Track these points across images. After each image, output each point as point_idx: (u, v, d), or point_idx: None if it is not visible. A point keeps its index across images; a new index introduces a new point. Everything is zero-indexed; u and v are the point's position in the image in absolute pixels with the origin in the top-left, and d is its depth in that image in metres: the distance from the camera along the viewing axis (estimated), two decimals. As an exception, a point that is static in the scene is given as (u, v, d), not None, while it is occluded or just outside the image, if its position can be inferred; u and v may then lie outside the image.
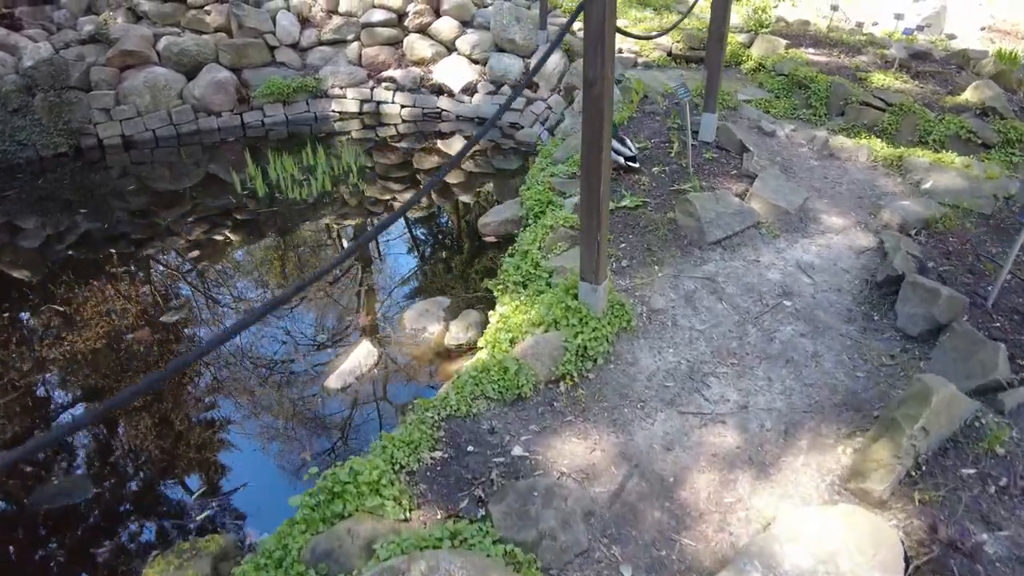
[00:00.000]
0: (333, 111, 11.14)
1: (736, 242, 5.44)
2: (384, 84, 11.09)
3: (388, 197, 9.25)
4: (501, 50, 10.99)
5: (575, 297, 4.50)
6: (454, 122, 11.21)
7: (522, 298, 5.03)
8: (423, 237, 8.23)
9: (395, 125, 11.20)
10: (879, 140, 7.81)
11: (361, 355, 5.25)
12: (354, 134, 10.94)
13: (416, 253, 7.69)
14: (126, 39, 10.20)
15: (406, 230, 8.20)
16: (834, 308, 4.82)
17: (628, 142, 6.63)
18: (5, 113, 9.40)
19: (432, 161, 10.39)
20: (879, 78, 9.09)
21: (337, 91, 11.05)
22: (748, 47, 10.76)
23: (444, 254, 7.49)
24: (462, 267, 6.94)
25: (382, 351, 5.42)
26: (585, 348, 4.30)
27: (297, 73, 10.98)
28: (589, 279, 4.34)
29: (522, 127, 10.56)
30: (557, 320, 4.43)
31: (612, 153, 6.95)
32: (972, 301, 4.48)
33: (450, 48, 11.32)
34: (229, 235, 7.62)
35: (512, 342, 4.60)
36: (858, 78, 9.27)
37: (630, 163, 6.48)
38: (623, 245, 5.38)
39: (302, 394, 5.08)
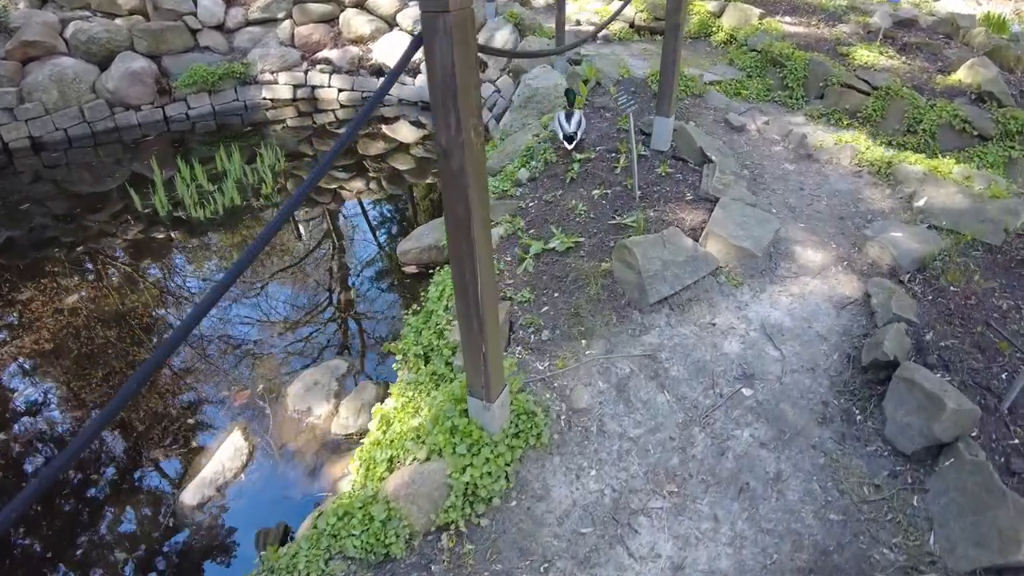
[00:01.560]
0: (264, 98, 9.67)
1: (687, 298, 4.16)
2: (319, 67, 9.58)
3: (334, 186, 8.02)
4: (447, 25, 9.42)
5: (465, 413, 3.26)
6: (397, 106, 9.78)
7: (414, 391, 3.80)
8: (327, 268, 6.42)
9: (333, 111, 9.75)
10: (863, 135, 6.45)
11: (227, 455, 4.05)
12: (289, 122, 9.52)
13: (317, 292, 5.97)
14: (28, 27, 8.67)
15: (306, 257, 6.60)
16: (806, 400, 3.58)
17: (573, 119, 5.57)
18: None
19: (378, 147, 9.09)
20: (863, 54, 7.63)
21: (268, 76, 9.54)
22: (718, 16, 9.22)
23: (351, 292, 5.97)
24: (371, 311, 5.66)
25: (255, 445, 4.21)
26: (475, 487, 3.09)
27: (223, 58, 9.46)
28: (478, 395, 3.10)
29: (470, 113, 9.11)
30: (440, 448, 3.20)
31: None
32: (982, 400, 3.26)
33: (391, 23, 9.78)
34: (101, 275, 6.25)
35: (391, 463, 3.39)
36: (839, 53, 7.81)
37: (566, 142, 5.54)
38: (545, 308, 4.10)
39: (148, 516, 3.90)
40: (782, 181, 5.56)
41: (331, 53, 9.62)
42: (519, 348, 3.86)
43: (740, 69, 8.00)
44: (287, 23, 9.81)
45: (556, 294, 4.18)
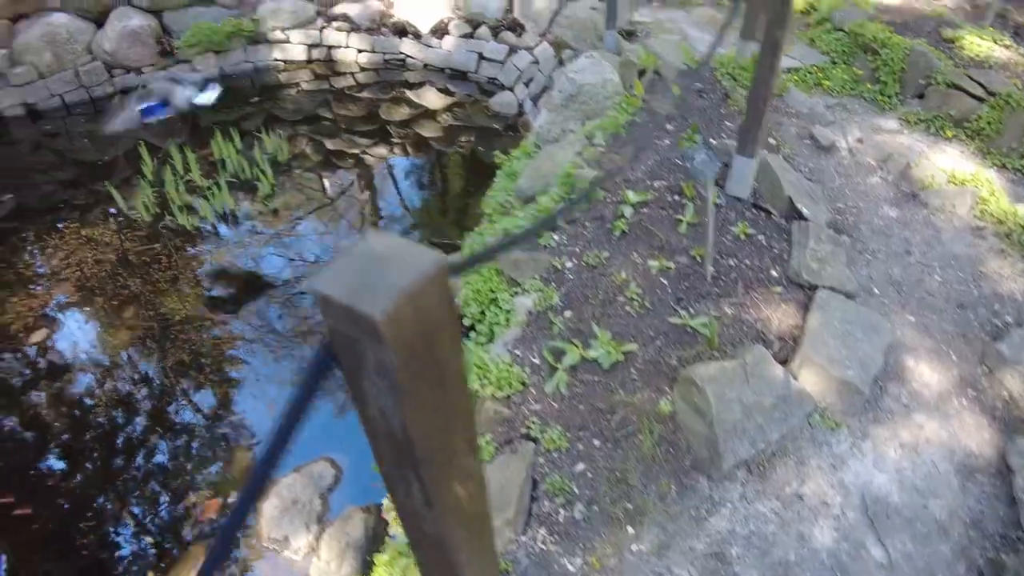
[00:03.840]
0: (276, 59, 8.18)
1: (770, 453, 2.95)
2: (336, 24, 8.02)
3: (356, 151, 6.91)
4: (480, -22, 7.74)
5: None
6: (422, 71, 8.24)
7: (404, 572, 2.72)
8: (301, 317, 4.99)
9: (352, 74, 8.27)
10: (974, 158, 4.91)
11: (179, 614, 3.08)
12: (304, 85, 8.10)
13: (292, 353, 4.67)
14: (14, -21, 7.21)
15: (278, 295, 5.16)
16: (931, 652, 2.44)
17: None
18: None
19: (403, 113, 7.74)
20: (973, 43, 5.89)
21: (279, 35, 8.02)
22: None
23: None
24: None
25: (217, 595, 3.22)
26: None
27: (230, 13, 7.91)
28: None
29: (501, 86, 7.59)
30: None
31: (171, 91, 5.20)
32: None
33: (418, -26, 8.08)
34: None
35: None
36: (944, 39, 6.06)
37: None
38: (580, 466, 2.93)
39: None
40: (883, 238, 4.16)
41: (350, 8, 8.02)
42: (542, 531, 2.73)
43: (823, 53, 6.32)
44: (302, -29, 8.17)
45: (597, 442, 2.99)
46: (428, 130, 7.46)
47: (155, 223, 5.68)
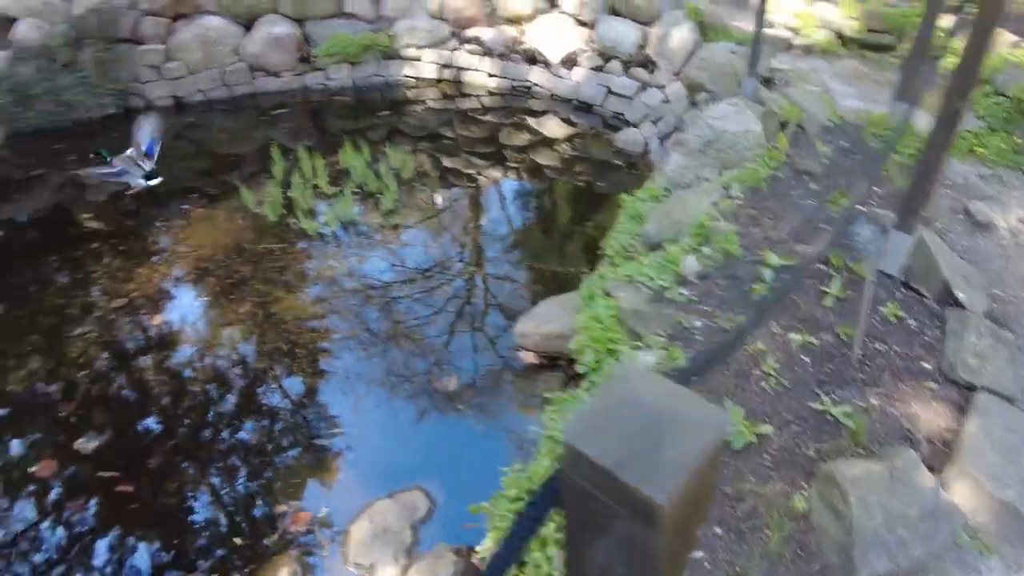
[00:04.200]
0: (407, 76, 8.38)
1: (908, 570, 2.62)
2: (468, 46, 8.14)
3: (472, 171, 7.00)
4: (616, 12, 7.67)
5: None
6: (548, 100, 8.23)
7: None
8: (422, 335, 4.91)
9: (478, 96, 8.35)
10: None
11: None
12: (430, 103, 8.25)
13: (407, 382, 4.50)
14: (179, -16, 7.74)
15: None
16: None
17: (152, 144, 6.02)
18: (53, 69, 7.32)
19: (522, 139, 7.74)
20: None
21: (412, 52, 8.22)
22: (953, 35, 6.85)
23: (447, 383, 4.48)
24: (467, 418, 4.27)
25: (301, 618, 3.18)
26: None
27: (368, 27, 8.19)
28: None
29: (627, 122, 7.43)
30: None
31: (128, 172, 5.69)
32: None
33: (552, 3, 8.06)
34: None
35: None
36: None
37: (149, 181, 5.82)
38: (697, 554, 2.70)
39: None
40: (1048, 333, 3.71)
41: (483, 32, 8.12)
42: (655, 620, 2.51)
43: (978, 117, 5.83)
44: (440, -8, 8.36)
45: (719, 529, 2.75)
46: (545, 158, 7.42)
47: (277, 221, 5.88)
